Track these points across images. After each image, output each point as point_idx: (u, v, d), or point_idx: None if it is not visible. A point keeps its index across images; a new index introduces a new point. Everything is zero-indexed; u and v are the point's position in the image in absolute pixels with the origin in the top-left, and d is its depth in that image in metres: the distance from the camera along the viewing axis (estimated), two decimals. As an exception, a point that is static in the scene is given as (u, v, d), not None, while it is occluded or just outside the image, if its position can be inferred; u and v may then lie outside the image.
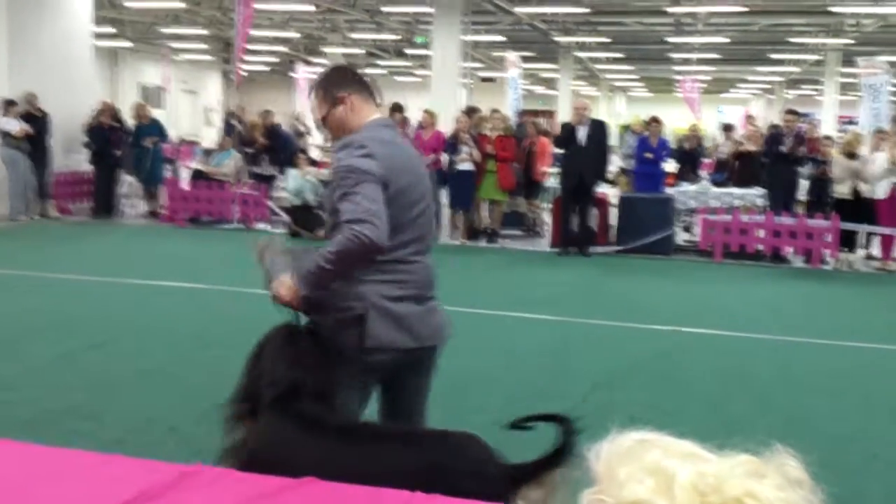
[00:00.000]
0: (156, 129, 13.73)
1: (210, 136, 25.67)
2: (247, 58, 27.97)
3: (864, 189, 10.48)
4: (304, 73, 28.27)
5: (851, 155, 10.68)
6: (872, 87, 18.50)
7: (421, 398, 3.07)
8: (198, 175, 13.71)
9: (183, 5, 20.23)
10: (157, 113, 18.38)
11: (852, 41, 21.86)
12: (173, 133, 23.83)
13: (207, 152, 15.43)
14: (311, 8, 20.08)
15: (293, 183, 11.90)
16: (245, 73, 31.60)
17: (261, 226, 12.77)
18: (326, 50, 27.75)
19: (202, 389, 5.22)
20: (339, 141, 2.81)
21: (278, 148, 13.73)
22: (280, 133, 14.13)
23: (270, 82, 38.85)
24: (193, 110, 35.64)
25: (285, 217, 12.35)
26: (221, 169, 13.17)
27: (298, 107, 24.20)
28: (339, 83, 2.88)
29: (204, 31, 25.76)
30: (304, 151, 13.43)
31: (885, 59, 19.69)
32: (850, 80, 25.11)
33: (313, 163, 13.47)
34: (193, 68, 34.79)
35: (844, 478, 4.20)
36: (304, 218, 11.93)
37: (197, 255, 10.43)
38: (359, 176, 2.63)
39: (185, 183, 13.88)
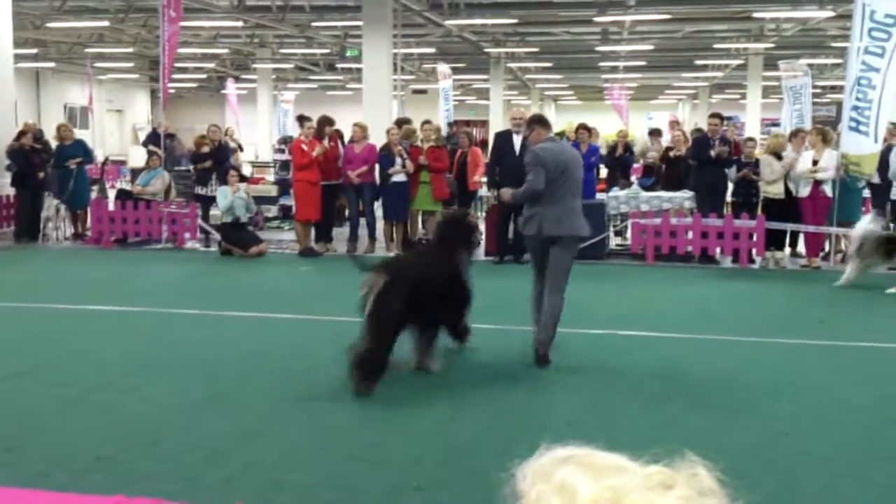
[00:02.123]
0: (80, 149, 13.36)
1: (138, 156, 25.13)
2: (175, 75, 27.53)
3: (802, 188, 10.78)
4: (235, 90, 27.96)
5: (778, 156, 10.97)
6: (794, 89, 19.12)
7: (553, 263, 6.21)
8: (125, 195, 13.37)
9: (107, 24, 19.79)
10: (82, 133, 17.94)
11: (773, 45, 22.54)
12: (99, 153, 23.26)
13: (135, 172, 15.06)
14: (239, 24, 19.85)
15: (224, 200, 11.69)
16: (173, 91, 31.09)
17: (191, 245, 12.51)
18: (256, 65, 27.48)
19: (130, 416, 5.07)
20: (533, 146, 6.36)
21: (223, 165, 13.39)
22: (227, 150, 13.83)
23: (200, 99, 38.30)
24: (120, 129, 34.88)
25: (216, 235, 12.13)
26: (149, 188, 12.86)
27: (229, 123, 23.89)
28: (533, 122, 6.60)
29: (129, 50, 25.26)
30: (235, 168, 13.18)
31: (805, 62, 20.39)
32: (773, 83, 25.91)
33: (244, 179, 13.25)
34: (120, 87, 34.07)
35: (779, 473, 4.28)
36: (236, 236, 11.73)
37: (125, 277, 10.15)
38: (534, 160, 6.16)
39: (111, 204, 13.53)
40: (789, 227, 11.06)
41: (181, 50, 21.45)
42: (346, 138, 12.92)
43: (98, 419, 5.00)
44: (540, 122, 6.58)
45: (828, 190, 10.65)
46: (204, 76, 32.22)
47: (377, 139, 12.06)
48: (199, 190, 12.89)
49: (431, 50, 24.25)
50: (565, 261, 6.17)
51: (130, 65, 29.37)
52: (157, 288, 9.50)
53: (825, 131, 11.40)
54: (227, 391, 5.55)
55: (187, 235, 12.53)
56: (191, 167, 13.55)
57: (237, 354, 6.46)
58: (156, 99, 33.77)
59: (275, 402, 5.32)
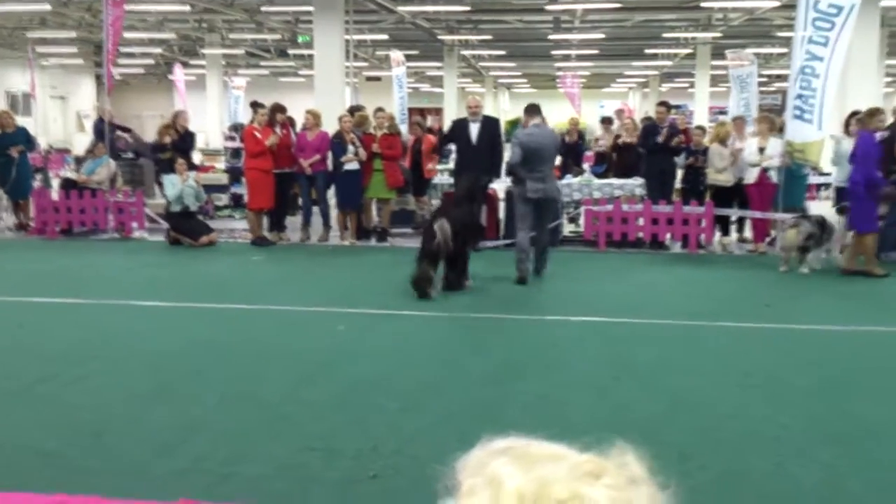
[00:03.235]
0: (22, 137, 12.96)
1: (83, 143, 24.57)
2: (121, 60, 26.95)
3: (748, 175, 10.96)
4: (183, 76, 27.46)
5: (724, 143, 11.14)
6: (740, 78, 19.42)
7: (540, 216, 8.83)
8: (69, 184, 13.04)
9: (49, 7, 19.24)
10: (24, 121, 17.43)
11: (721, 35, 22.86)
12: (42, 141, 22.68)
13: (79, 160, 14.71)
14: (187, 8, 19.47)
15: (172, 189, 11.47)
16: (119, 77, 30.40)
17: (138, 234, 12.27)
18: (205, 51, 27.01)
19: (74, 409, 4.95)
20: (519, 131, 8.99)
21: (188, 152, 13.12)
22: (192, 137, 13.54)
23: (147, 85, 37.56)
24: (65, 117, 34.04)
25: (164, 224, 11.91)
26: (94, 177, 12.56)
27: (177, 109, 23.45)
28: (525, 111, 9.25)
29: (73, 35, 24.62)
30: (187, 156, 12.92)
31: (751, 51, 20.72)
32: (721, 72, 26.28)
33: (193, 167, 13.01)
34: (63, 73, 33.21)
35: (728, 455, 4.35)
36: (185, 225, 11.53)
37: (71, 268, 9.92)
38: (514, 142, 8.70)
39: (55, 193, 13.19)
40: (737, 212, 11.26)
41: (127, 34, 20.98)
42: (299, 125, 12.76)
43: (41, 413, 4.88)
44: (528, 110, 9.20)
45: (773, 176, 10.84)
46: (151, 62, 31.57)
47: (330, 127, 11.94)
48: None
49: (385, 37, 24.09)
50: (547, 211, 9.09)
51: (74, 50, 28.64)
52: (104, 279, 9.30)
53: (771, 119, 11.60)
54: (175, 383, 5.46)
55: (134, 225, 12.29)
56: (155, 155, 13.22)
57: (186, 346, 6.36)
58: (101, 85, 33.04)
59: (225, 393, 5.24)
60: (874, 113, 10.08)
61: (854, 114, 11.09)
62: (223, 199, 15.09)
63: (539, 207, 8.89)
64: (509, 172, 9.27)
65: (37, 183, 13.61)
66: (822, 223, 9.65)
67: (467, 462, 0.97)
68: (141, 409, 4.95)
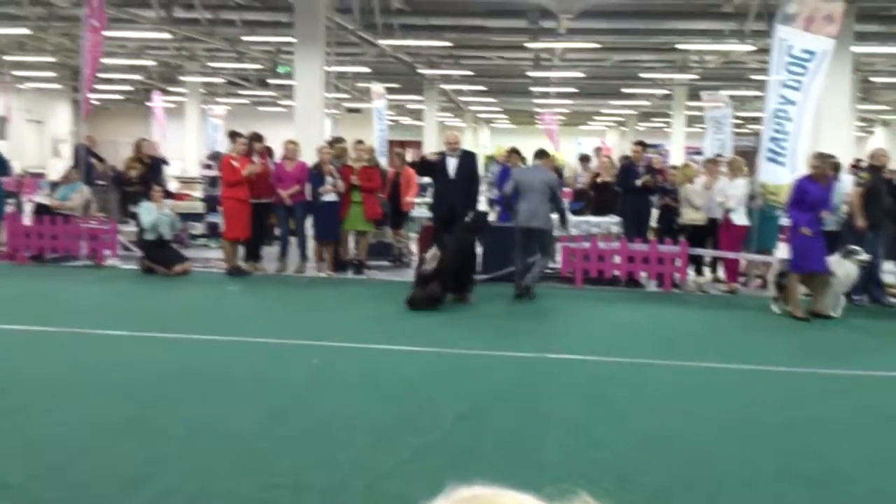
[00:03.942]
0: (-5, 160, 12.86)
1: (58, 168, 24.37)
2: (99, 86, 26.83)
3: (724, 214, 11.06)
4: (161, 102, 27.41)
5: (692, 183, 11.30)
6: (716, 119, 19.72)
7: (531, 246, 10.08)
8: (42, 210, 12.90)
9: (28, 32, 19.17)
10: (-2, 144, 17.27)
11: (697, 77, 23.23)
12: (17, 165, 22.47)
13: (54, 185, 14.58)
14: (167, 36, 19.47)
15: (148, 217, 11.38)
16: (97, 103, 30.25)
17: (111, 262, 12.14)
18: (185, 78, 27.00)
19: (41, 441, 4.85)
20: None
21: (157, 181, 13.06)
22: (160, 164, 13.48)
23: (125, 111, 37.41)
24: (40, 141, 33.79)
25: (138, 252, 11.79)
26: (68, 203, 12.44)
27: (155, 136, 23.37)
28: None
29: (51, 59, 24.53)
30: (159, 184, 12.85)
31: (727, 93, 21.06)
32: (696, 112, 26.68)
33: (169, 195, 12.93)
34: (40, 97, 33.03)
35: (700, 497, 4.34)
36: (159, 253, 11.42)
37: (41, 295, 9.78)
38: (510, 177, 10.60)
39: (27, 218, 13.05)
40: (710, 252, 11.37)
41: (106, 60, 20.91)
42: (278, 156, 12.75)
43: (5, 444, 4.77)
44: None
45: (735, 218, 10.93)
46: (130, 88, 31.48)
47: (309, 157, 11.94)
48: (135, 208, 12.53)
49: (366, 69, 24.22)
50: (542, 240, 10.17)
51: (52, 74, 28.52)
52: (75, 307, 9.18)
53: (734, 162, 11.78)
54: (144, 416, 5.36)
55: (107, 252, 12.16)
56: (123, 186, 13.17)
57: (157, 377, 6.27)
58: (78, 110, 32.94)
59: (194, 426, 5.16)
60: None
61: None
62: (199, 227, 14.99)
63: (533, 234, 10.13)
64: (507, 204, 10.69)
65: (9, 207, 13.44)
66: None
67: None
68: (108, 442, 4.86)
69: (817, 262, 9.30)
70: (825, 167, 9.59)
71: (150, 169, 12.78)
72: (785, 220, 11.97)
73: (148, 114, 32.96)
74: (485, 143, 43.69)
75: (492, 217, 13.79)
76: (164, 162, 16.52)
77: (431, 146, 26.47)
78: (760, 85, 18.94)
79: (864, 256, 9.40)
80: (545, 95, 29.55)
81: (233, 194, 11.37)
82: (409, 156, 19.19)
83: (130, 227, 12.86)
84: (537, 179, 10.10)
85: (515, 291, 10.07)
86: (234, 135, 12.79)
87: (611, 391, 6.28)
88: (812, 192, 9.35)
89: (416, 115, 34.16)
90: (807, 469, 4.75)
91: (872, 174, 10.31)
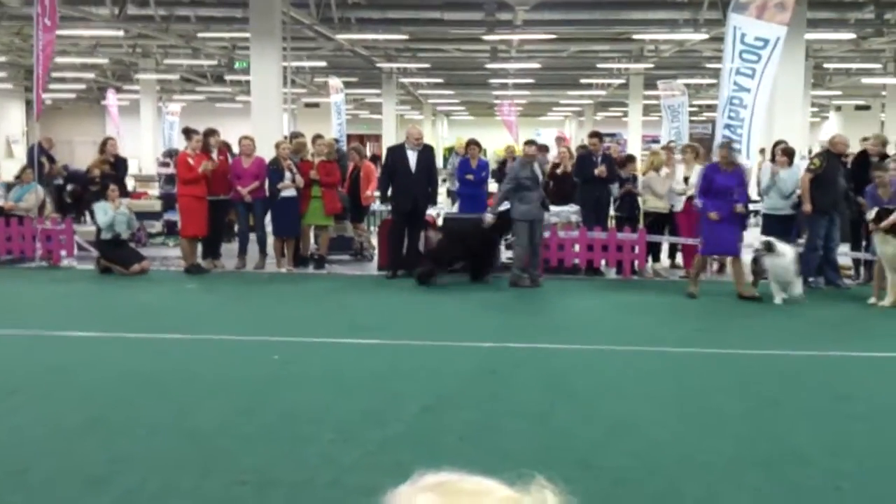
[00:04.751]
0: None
1: (11, 169, 23.86)
2: (53, 85, 26.30)
3: (677, 203, 11.18)
4: (116, 101, 26.98)
5: (658, 171, 11.40)
6: (672, 107, 19.95)
7: (537, 232, 10.49)
8: (-4, 211, 12.63)
9: (-24, 30, 18.74)
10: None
11: (653, 66, 23.46)
12: (-32, 166, 21.95)
13: (8, 186, 14.28)
14: (121, 34, 19.16)
15: (104, 216, 11.20)
16: (49, 102, 29.65)
17: (66, 262, 11.94)
18: (139, 76, 26.58)
19: (0, 445, 4.77)
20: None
21: (121, 180, 12.89)
22: (125, 163, 13.31)
23: (78, 110, 36.77)
24: (-8, 141, 33.07)
25: (94, 252, 11.61)
26: (22, 204, 12.20)
27: (110, 135, 22.98)
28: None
29: (2, 59, 24.00)
30: (124, 183, 12.65)
31: (682, 82, 21.32)
32: (653, 101, 26.97)
33: (126, 193, 12.74)
34: (-9, 97, 32.30)
35: (661, 480, 4.41)
36: (116, 252, 11.24)
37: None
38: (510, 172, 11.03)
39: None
40: (668, 239, 11.51)
41: (59, 59, 20.52)
42: (237, 151, 12.62)
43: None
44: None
45: (699, 204, 11.08)
46: (83, 86, 30.91)
47: (267, 153, 11.84)
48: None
49: (323, 63, 24.07)
50: (539, 230, 10.57)
51: (3, 74, 27.91)
52: (30, 308, 9.02)
53: (696, 148, 11.93)
54: (104, 416, 5.30)
55: (63, 253, 11.96)
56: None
57: (116, 377, 6.19)
58: (31, 110, 32.23)
59: (156, 425, 5.11)
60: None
61: (779, 143, 11.48)
62: (156, 226, 14.79)
63: (536, 226, 10.53)
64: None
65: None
66: None
67: (395, 498, 0.98)
68: (68, 443, 4.80)
69: (727, 246, 9.79)
70: (730, 156, 9.81)
71: (115, 168, 12.59)
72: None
73: (102, 112, 32.45)
74: (444, 135, 43.70)
75: (452, 209, 13.84)
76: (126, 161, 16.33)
77: (391, 140, 26.39)
78: (715, 73, 19.21)
79: (781, 248, 9.46)
80: (503, 87, 29.67)
81: (189, 192, 11.24)
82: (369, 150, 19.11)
83: (89, 227, 12.67)
84: (532, 173, 10.50)
85: (518, 283, 10.40)
86: (188, 132, 12.62)
87: (573, 379, 6.34)
88: (718, 180, 9.68)
89: (375, 108, 34.03)
90: (764, 451, 4.84)
91: (826, 160, 10.51)
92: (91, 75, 27.95)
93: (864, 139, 12.13)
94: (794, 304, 9.42)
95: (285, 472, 4.41)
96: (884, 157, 10.83)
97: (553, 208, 12.24)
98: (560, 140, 17.45)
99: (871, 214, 9.34)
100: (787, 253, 9.45)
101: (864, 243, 10.93)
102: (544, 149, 15.66)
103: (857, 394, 6.09)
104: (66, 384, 6.01)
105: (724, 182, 9.70)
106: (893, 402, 5.90)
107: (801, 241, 10.78)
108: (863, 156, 11.25)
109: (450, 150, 26.48)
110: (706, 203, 9.75)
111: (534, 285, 10.42)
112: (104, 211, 11.25)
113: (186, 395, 5.78)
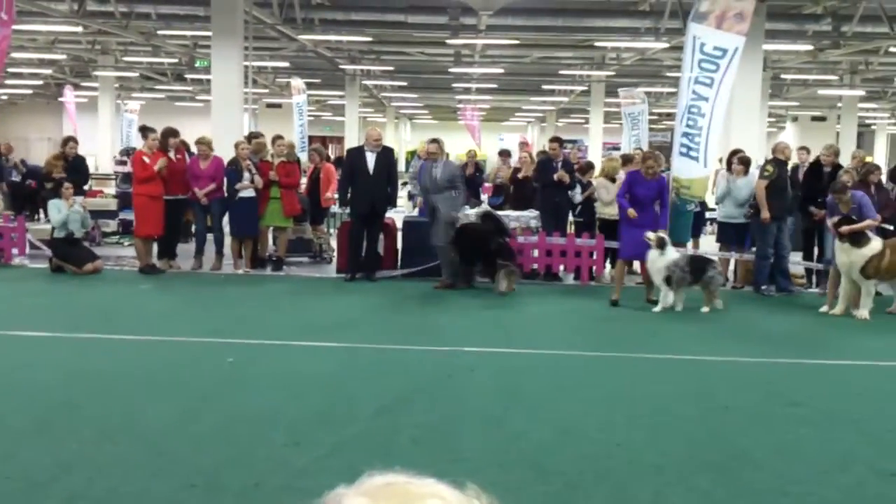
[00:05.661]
0: None
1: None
2: (8, 81, 25.82)
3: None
4: (73, 97, 26.54)
5: (612, 178, 11.50)
6: (632, 115, 20.16)
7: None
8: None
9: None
10: None
11: (614, 73, 23.69)
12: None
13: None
14: (79, 29, 18.84)
15: (58, 214, 10.99)
16: (6, 98, 29.09)
17: (18, 261, 11.68)
18: (97, 73, 26.16)
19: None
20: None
21: (82, 181, 12.70)
22: (84, 164, 13.10)
23: (35, 107, 36.11)
24: (-56, 137, 32.30)
25: (47, 251, 11.39)
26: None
27: (67, 132, 22.60)
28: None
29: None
30: (83, 182, 12.41)
31: (642, 90, 21.55)
32: (614, 109, 27.23)
33: (81, 191, 12.50)
34: (-57, 91, 31.57)
35: (612, 484, 4.44)
36: (69, 252, 11.04)
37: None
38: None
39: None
40: (605, 244, 11.62)
41: (15, 55, 20.13)
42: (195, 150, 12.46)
43: None
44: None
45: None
46: (40, 83, 30.33)
47: (226, 153, 11.71)
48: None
49: (286, 64, 23.91)
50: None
51: (-44, 68, 27.25)
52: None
53: (628, 158, 12.07)
54: (50, 417, 5.19)
55: (15, 251, 11.71)
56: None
57: (64, 378, 6.07)
58: (-15, 105, 31.65)
59: (104, 427, 5.02)
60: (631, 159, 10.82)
61: (735, 152, 11.65)
62: (111, 225, 14.56)
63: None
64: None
65: None
66: None
67: (326, 499, 0.98)
68: (12, 446, 4.69)
69: (645, 249, 9.64)
70: (653, 165, 9.89)
71: (75, 169, 12.37)
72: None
73: (59, 109, 31.88)
74: (406, 139, 43.68)
75: (412, 212, 13.83)
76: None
77: (353, 142, 26.30)
78: (675, 82, 19.47)
79: (668, 250, 9.44)
80: (467, 91, 29.73)
81: (145, 191, 11.07)
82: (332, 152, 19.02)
83: (42, 226, 12.43)
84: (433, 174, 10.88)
85: (455, 285, 10.74)
86: (145, 130, 12.43)
87: (527, 383, 6.36)
88: (638, 191, 9.74)
89: (338, 110, 33.90)
90: (715, 455, 4.90)
91: (777, 167, 10.68)
92: (48, 71, 27.46)
93: (827, 148, 12.28)
94: (717, 311, 9.43)
95: (235, 475, 4.36)
96: (837, 167, 11.04)
97: (513, 213, 12.30)
98: (523, 145, 17.53)
99: (834, 220, 9.44)
100: (666, 257, 9.37)
101: (815, 252, 11.13)
102: (505, 154, 15.76)
103: (806, 400, 6.19)
104: (11, 385, 5.88)
105: (643, 192, 9.74)
106: (842, 408, 6.00)
107: (754, 249, 10.94)
108: (816, 165, 11.46)
109: (412, 154, 26.49)
110: (624, 205, 9.77)
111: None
112: (58, 209, 11.05)
113: (136, 396, 5.69)
